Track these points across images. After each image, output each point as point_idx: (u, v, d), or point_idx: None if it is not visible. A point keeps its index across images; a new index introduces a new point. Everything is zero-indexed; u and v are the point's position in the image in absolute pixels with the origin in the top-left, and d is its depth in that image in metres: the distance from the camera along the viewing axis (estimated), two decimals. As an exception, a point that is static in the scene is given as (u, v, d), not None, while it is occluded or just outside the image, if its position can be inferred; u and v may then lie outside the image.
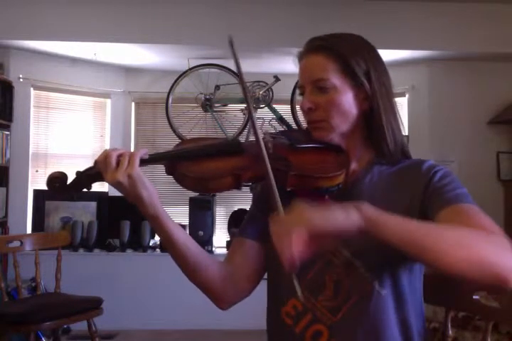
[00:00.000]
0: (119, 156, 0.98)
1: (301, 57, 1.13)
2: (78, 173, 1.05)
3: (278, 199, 0.92)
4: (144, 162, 1.01)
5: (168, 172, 1.08)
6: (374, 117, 1.10)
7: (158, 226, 1.04)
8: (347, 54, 1.08)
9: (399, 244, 0.84)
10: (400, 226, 0.85)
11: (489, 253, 0.84)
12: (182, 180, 1.05)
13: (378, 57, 1.13)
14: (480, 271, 0.83)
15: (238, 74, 1.03)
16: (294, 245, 0.81)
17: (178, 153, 1.08)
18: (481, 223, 0.92)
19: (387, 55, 4.16)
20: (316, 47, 1.10)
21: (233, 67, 4.26)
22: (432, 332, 2.60)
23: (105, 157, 0.98)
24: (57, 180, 1.04)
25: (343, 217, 0.83)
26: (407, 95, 4.55)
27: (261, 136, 1.01)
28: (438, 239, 0.85)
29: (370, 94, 1.09)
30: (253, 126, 1.03)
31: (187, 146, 1.11)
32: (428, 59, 4.34)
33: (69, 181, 1.04)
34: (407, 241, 0.84)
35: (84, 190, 1.06)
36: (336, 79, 1.08)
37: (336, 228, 0.83)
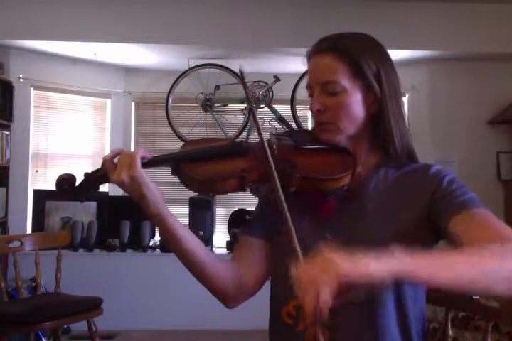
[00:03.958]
0: (122, 156, 1.01)
1: (310, 57, 1.11)
2: (86, 174, 1.06)
3: (296, 243, 0.88)
4: (150, 163, 1.03)
5: (174, 173, 1.08)
6: (382, 120, 1.09)
7: (163, 226, 1.04)
8: (357, 55, 1.06)
9: (432, 284, 0.87)
10: (430, 270, 0.82)
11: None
12: (187, 182, 1.06)
13: (388, 58, 1.11)
14: (506, 286, 0.85)
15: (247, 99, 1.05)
16: (320, 297, 0.76)
17: (184, 154, 1.08)
18: (495, 229, 0.93)
19: (387, 55, 4.18)
20: (326, 48, 1.08)
21: (233, 68, 4.28)
22: (432, 332, 2.60)
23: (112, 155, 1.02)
24: (65, 181, 1.05)
25: (374, 267, 0.78)
26: (407, 95, 4.54)
27: (265, 137, 1.01)
28: (472, 273, 0.84)
29: (380, 97, 1.07)
30: (258, 129, 1.03)
31: (193, 148, 1.11)
32: (428, 59, 4.34)
33: (77, 183, 1.05)
34: (440, 282, 0.84)
35: (92, 191, 1.07)
36: (345, 82, 1.06)
37: (366, 278, 0.78)
